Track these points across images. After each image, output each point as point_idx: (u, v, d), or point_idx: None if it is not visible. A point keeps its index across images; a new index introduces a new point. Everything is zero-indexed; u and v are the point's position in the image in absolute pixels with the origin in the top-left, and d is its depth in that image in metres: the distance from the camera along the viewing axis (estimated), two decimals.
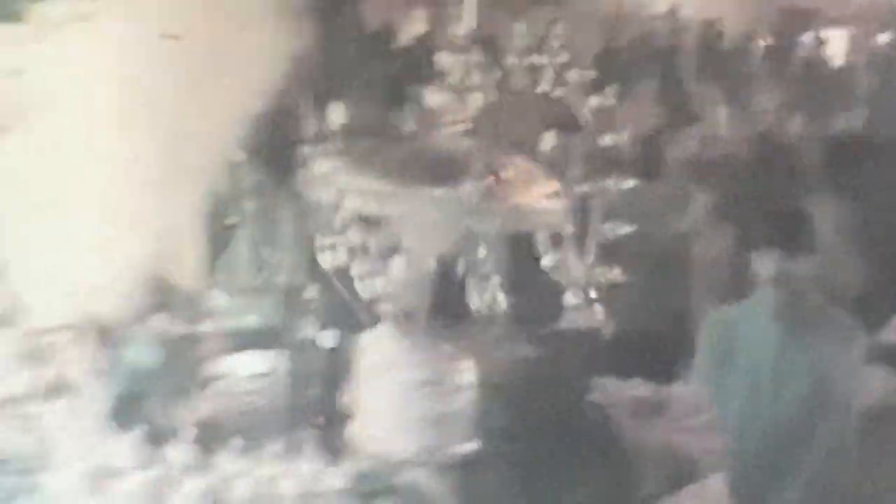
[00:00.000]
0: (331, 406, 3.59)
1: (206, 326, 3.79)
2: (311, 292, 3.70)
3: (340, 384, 3.48)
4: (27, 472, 3.13)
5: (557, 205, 3.30)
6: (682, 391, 3.95)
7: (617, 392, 3.74)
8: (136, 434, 3.25)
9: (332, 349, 3.65)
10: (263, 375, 3.90)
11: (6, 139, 3.54)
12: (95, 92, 3.49)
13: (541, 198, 3.25)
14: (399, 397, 3.33)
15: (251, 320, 4.15)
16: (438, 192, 3.17)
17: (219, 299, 4.06)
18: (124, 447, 3.19)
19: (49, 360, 3.46)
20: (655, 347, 4.13)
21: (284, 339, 3.76)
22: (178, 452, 3.22)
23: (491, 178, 3.15)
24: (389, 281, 3.33)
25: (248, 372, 3.93)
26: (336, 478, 3.27)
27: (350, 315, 3.66)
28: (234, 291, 4.17)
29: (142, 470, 3.15)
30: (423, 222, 3.25)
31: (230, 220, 4.38)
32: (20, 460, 3.14)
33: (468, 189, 3.15)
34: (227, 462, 3.23)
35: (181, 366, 3.53)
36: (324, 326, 3.68)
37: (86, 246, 3.48)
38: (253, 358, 3.98)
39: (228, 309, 4.08)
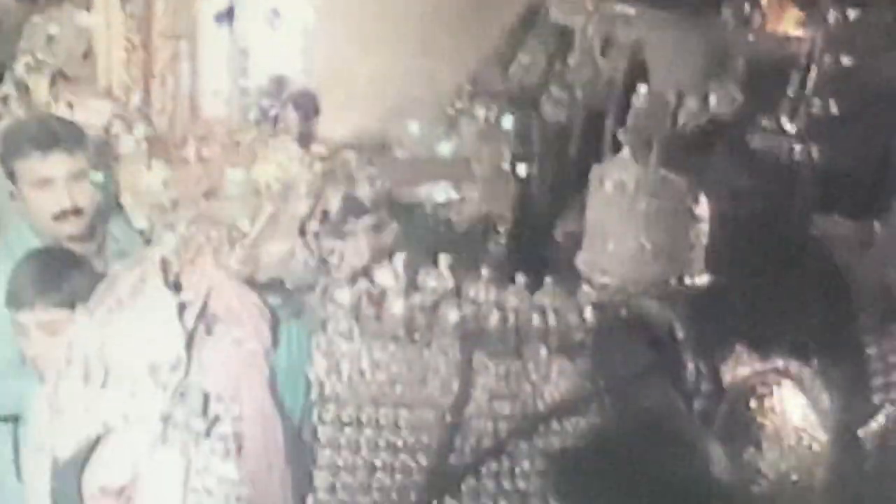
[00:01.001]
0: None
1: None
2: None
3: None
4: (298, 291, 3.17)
5: (807, 34, 3.22)
6: (884, 228, 3.88)
7: (833, 226, 3.68)
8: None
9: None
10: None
11: None
12: None
13: (794, 26, 3.17)
14: (633, 227, 3.28)
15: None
16: (691, 16, 3.10)
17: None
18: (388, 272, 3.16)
19: None
20: (861, 183, 4.06)
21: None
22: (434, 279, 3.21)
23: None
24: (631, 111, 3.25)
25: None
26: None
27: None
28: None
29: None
30: (672, 48, 3.18)
31: None
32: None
33: (725, 14, 3.07)
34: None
35: None
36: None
37: None
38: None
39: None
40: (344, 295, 3.13)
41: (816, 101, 3.61)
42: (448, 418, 3.12)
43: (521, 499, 3.15)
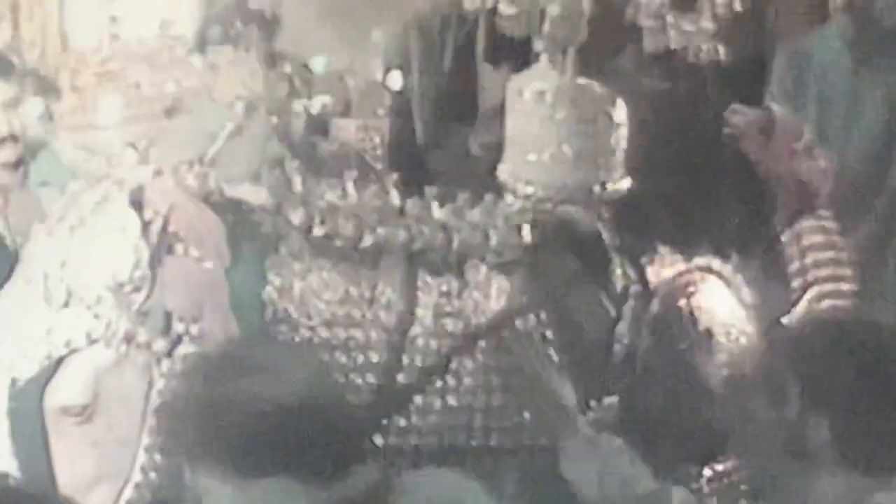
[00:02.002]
0: None
1: None
2: None
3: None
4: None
5: None
6: (782, 114, 3.94)
7: (739, 118, 3.71)
8: None
9: None
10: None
11: None
12: None
13: None
14: (554, 135, 3.31)
15: None
16: None
17: None
18: None
19: None
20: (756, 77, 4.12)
21: None
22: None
23: None
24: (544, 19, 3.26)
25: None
26: None
27: None
28: None
29: None
30: None
31: None
32: None
33: None
34: None
35: None
36: None
37: None
38: None
39: None
40: (297, 215, 3.11)
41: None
42: (394, 337, 3.14)
43: (467, 414, 3.18)
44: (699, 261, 3.45)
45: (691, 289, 3.40)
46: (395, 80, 4.69)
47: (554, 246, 3.31)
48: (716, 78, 3.68)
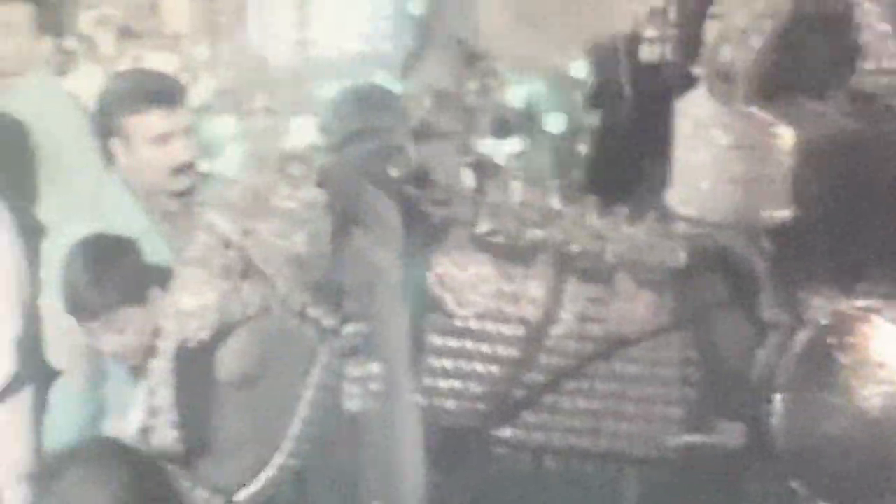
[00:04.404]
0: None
1: None
2: None
3: None
4: None
5: None
6: None
7: None
8: None
9: None
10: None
11: None
12: None
13: None
14: (717, 162, 3.35)
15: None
16: None
17: None
18: None
19: None
20: None
21: None
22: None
23: None
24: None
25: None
26: None
27: None
28: None
29: None
30: None
31: None
32: None
33: None
34: None
35: None
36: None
37: None
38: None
39: None
40: (465, 210, 3.29)
41: None
42: (535, 334, 3.27)
43: (594, 418, 3.30)
44: (860, 302, 3.43)
45: (847, 325, 3.39)
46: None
47: (707, 269, 3.39)
48: None
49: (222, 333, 3.18)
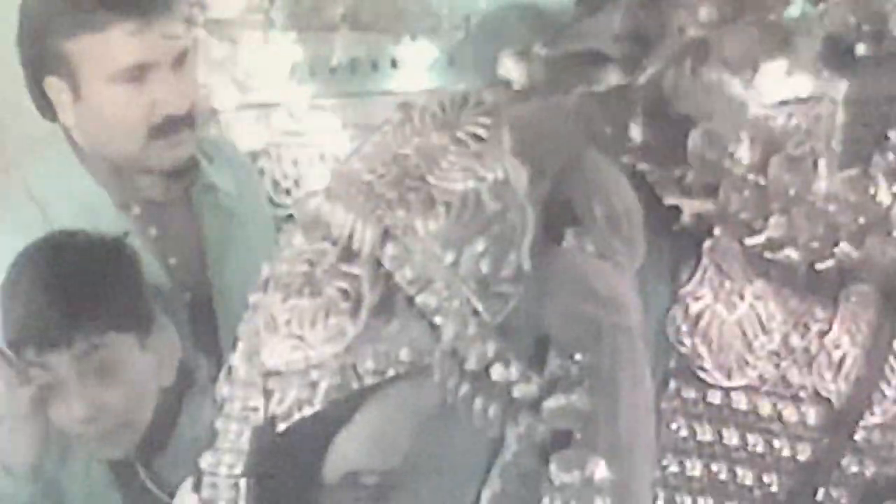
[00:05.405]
0: None
1: None
2: None
3: None
4: None
5: None
6: None
7: None
8: None
9: None
10: None
11: None
12: None
13: None
14: None
15: None
16: None
17: None
18: None
19: None
20: None
21: None
22: None
23: None
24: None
25: None
26: None
27: None
28: None
29: None
30: None
31: None
32: None
33: None
34: None
35: None
36: None
37: None
38: None
39: None
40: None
41: None
42: (838, 417, 2.19)
43: None
44: None
45: None
46: None
47: None
48: None
49: (339, 409, 2.09)
